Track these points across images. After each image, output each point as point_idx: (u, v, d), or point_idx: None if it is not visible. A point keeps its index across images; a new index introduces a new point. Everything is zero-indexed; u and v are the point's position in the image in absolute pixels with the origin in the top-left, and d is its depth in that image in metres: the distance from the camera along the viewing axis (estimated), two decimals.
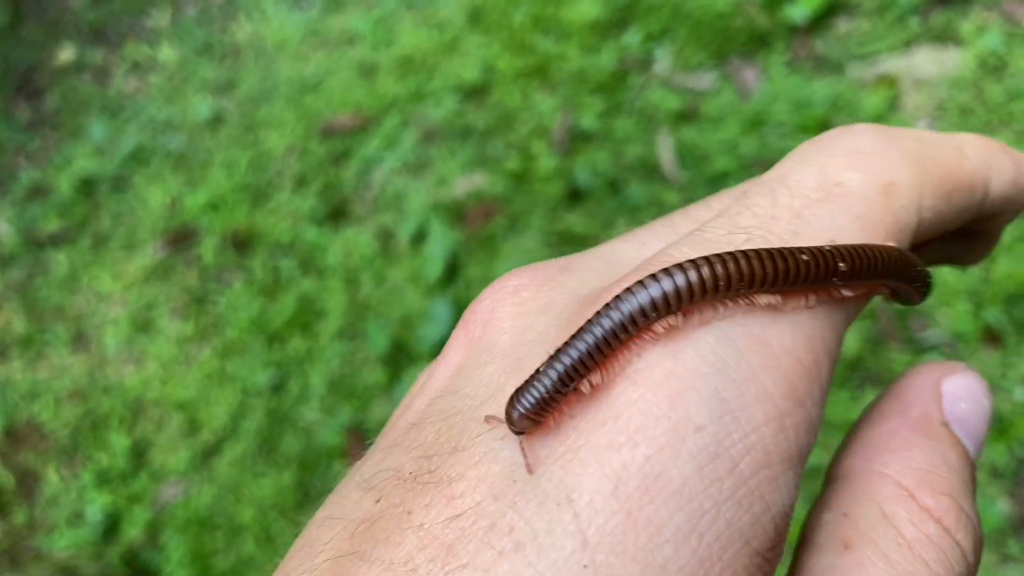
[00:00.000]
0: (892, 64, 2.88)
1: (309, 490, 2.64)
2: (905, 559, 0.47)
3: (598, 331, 0.44)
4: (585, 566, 0.38)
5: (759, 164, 2.69)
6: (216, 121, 3.63)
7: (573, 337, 0.44)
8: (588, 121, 3.05)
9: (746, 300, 0.44)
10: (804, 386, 0.44)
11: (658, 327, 0.43)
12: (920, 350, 2.34)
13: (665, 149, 2.90)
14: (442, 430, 0.46)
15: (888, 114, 2.73)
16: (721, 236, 0.47)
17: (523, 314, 0.51)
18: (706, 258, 0.44)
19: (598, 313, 0.44)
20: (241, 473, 2.72)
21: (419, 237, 2.97)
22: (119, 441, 2.88)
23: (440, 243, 2.88)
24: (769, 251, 0.44)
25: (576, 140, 3.03)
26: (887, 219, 0.49)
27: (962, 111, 2.69)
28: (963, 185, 0.53)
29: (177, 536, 2.64)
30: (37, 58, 4.18)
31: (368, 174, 3.23)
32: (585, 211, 2.87)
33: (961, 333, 2.32)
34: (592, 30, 3.28)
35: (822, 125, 2.72)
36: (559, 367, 0.44)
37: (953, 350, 2.31)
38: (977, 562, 0.49)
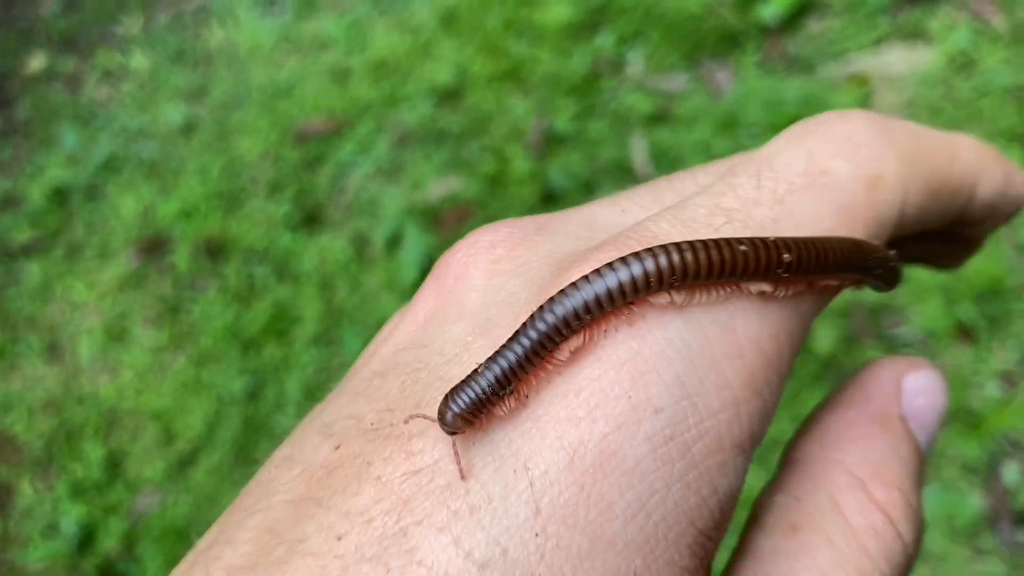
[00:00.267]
0: (863, 63, 2.90)
1: None
2: (849, 547, 0.48)
3: (533, 334, 0.44)
4: (536, 534, 0.40)
5: None
6: (189, 128, 3.61)
7: (511, 338, 0.44)
8: (562, 123, 3.05)
9: (731, 287, 0.45)
10: (763, 376, 0.45)
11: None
12: (893, 347, 2.36)
13: (639, 151, 2.90)
14: (407, 383, 0.47)
15: None
16: (701, 216, 0.47)
17: (496, 273, 0.51)
18: (650, 250, 0.44)
19: (541, 308, 0.44)
20: (218, 482, 2.70)
21: (394, 242, 2.96)
22: (94, 451, 2.85)
23: (415, 247, 2.87)
24: (704, 242, 0.44)
25: (550, 142, 3.03)
26: (869, 213, 0.49)
27: (932, 109, 2.71)
28: (950, 186, 0.53)
29: (153, 546, 2.62)
30: (8, 67, 4.15)
31: (342, 179, 3.21)
32: None
33: (934, 330, 2.33)
34: (565, 33, 3.28)
35: None
36: (496, 369, 0.43)
37: (926, 347, 2.33)
38: (917, 552, 0.50)
